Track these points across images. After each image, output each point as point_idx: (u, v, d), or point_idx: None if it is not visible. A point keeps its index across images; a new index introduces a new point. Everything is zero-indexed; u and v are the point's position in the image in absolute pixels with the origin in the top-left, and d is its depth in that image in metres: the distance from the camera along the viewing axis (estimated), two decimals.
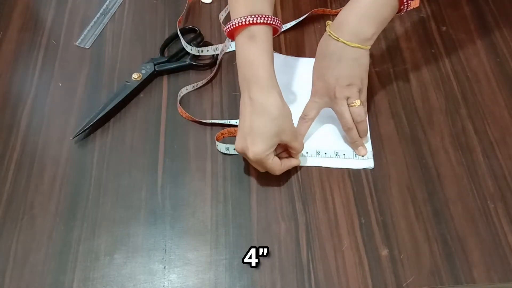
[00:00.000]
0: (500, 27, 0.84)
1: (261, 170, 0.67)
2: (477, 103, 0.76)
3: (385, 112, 0.75)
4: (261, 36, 0.65)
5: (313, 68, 0.71)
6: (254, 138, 0.63)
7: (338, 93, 0.68)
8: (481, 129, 0.73)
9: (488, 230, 0.64)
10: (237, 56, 0.67)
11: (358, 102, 0.69)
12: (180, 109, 0.74)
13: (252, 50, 0.65)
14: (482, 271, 0.61)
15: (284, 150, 0.68)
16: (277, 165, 0.66)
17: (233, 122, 0.73)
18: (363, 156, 0.70)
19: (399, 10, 0.67)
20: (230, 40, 0.80)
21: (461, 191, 0.67)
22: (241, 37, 0.65)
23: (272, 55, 0.66)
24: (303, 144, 0.69)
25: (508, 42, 0.82)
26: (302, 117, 0.72)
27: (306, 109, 0.72)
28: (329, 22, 0.69)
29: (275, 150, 0.66)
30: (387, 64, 0.80)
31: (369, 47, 0.67)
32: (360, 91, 0.69)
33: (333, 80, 0.68)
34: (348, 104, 0.69)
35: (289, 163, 0.68)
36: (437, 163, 0.70)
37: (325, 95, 0.70)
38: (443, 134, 0.72)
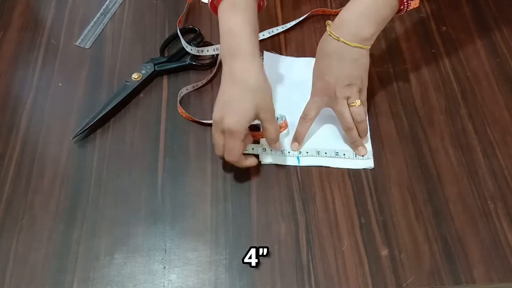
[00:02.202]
0: (500, 27, 0.84)
1: (219, 151, 0.65)
2: (477, 103, 0.75)
3: (385, 112, 0.75)
4: (243, 3, 0.65)
5: (313, 68, 0.71)
6: (232, 109, 0.62)
7: (338, 92, 0.68)
8: (481, 129, 0.73)
9: (488, 230, 0.64)
10: (219, 25, 0.66)
11: (358, 102, 0.69)
12: (180, 109, 0.74)
13: (234, 19, 0.64)
14: (482, 271, 0.61)
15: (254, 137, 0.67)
16: (241, 148, 0.63)
17: None
18: (363, 156, 0.70)
19: (399, 10, 0.67)
20: None
21: (461, 191, 0.67)
22: (224, 4, 0.65)
23: (256, 25, 0.66)
24: (279, 133, 0.67)
25: (508, 42, 0.82)
26: (303, 117, 0.71)
27: (306, 109, 0.72)
28: (329, 22, 0.69)
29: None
30: (387, 64, 0.80)
31: (369, 47, 0.67)
32: (360, 91, 0.69)
33: (333, 80, 0.68)
34: (348, 104, 0.69)
35: (245, 161, 0.65)
36: (437, 163, 0.70)
37: (325, 95, 0.70)
38: (443, 134, 0.72)
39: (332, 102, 0.70)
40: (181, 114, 0.74)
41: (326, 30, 0.68)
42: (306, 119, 0.71)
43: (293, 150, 0.70)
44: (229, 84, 0.64)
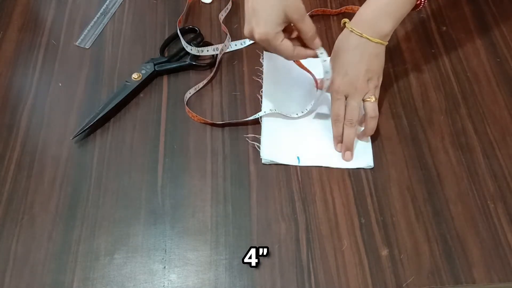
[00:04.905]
0: (500, 27, 0.84)
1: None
2: (477, 103, 0.76)
3: (385, 112, 0.75)
4: None
5: (333, 65, 0.70)
6: (258, 18, 0.61)
7: (359, 87, 0.68)
8: (481, 129, 0.73)
9: (488, 230, 0.64)
10: None
11: (373, 97, 0.69)
12: (191, 113, 0.73)
13: None
14: (482, 271, 0.61)
15: (298, 41, 0.66)
16: (288, 49, 0.63)
17: (251, 118, 0.72)
18: (346, 160, 0.69)
19: (416, 6, 0.67)
20: (230, 39, 0.80)
21: (461, 191, 0.67)
22: None
23: None
24: (314, 27, 0.64)
25: (508, 42, 0.82)
26: (336, 119, 0.70)
27: (335, 110, 0.70)
28: (346, 19, 0.69)
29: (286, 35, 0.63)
30: (387, 64, 0.79)
31: (387, 42, 0.68)
32: (376, 87, 0.70)
33: (356, 74, 0.68)
34: (363, 99, 0.69)
35: (304, 52, 0.65)
36: (437, 163, 0.70)
37: (346, 90, 0.69)
38: (443, 134, 0.72)
39: (350, 97, 0.69)
40: (193, 118, 0.74)
41: (345, 27, 0.69)
42: (339, 119, 0.69)
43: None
44: None
